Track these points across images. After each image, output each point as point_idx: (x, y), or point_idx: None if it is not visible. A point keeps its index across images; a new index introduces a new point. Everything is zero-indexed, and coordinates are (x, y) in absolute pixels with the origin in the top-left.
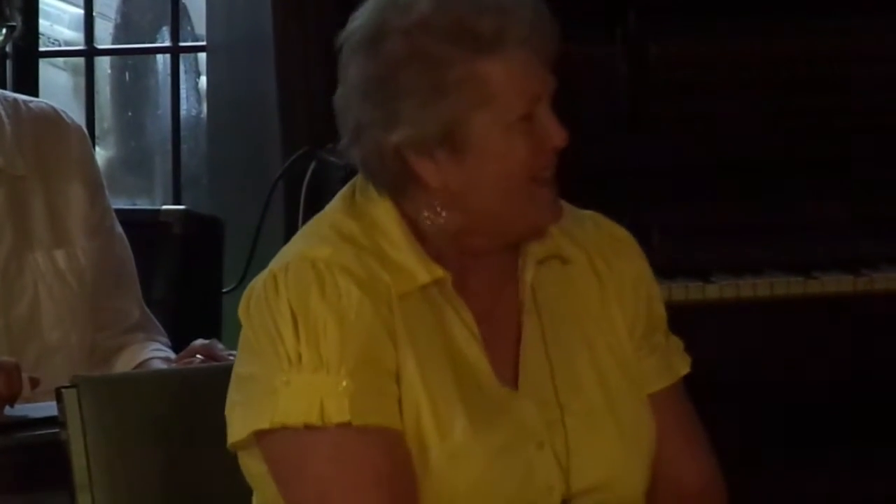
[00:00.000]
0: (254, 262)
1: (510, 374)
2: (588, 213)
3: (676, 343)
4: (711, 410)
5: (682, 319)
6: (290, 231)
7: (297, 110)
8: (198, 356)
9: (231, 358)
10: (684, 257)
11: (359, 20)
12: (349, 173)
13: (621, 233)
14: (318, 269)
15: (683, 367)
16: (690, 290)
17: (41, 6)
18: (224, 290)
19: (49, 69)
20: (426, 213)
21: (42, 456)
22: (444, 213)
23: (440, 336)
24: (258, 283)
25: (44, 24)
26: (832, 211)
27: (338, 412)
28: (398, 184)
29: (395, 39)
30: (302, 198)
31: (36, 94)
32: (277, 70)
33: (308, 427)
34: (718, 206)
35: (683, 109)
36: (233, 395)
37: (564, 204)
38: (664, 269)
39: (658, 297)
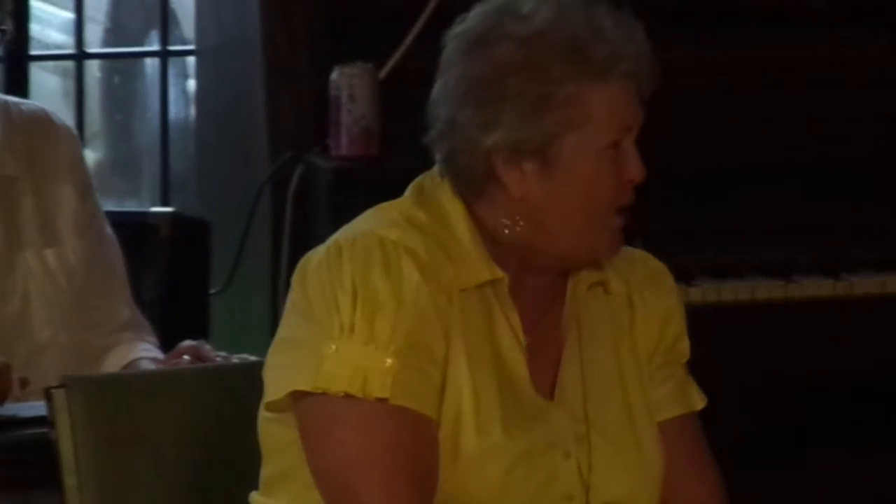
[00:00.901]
0: (241, 264)
1: (547, 385)
2: (636, 250)
3: (693, 382)
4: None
5: None
6: (277, 233)
7: (284, 114)
8: (185, 357)
9: (219, 359)
10: (667, 261)
11: (472, 20)
12: (336, 177)
13: (658, 266)
14: (385, 247)
15: (699, 402)
16: None
17: (32, 10)
18: (211, 292)
19: (39, 72)
20: (505, 220)
21: (31, 455)
22: (518, 224)
23: (488, 336)
24: (319, 251)
25: (34, 28)
26: (812, 216)
27: (379, 387)
28: (479, 185)
29: (509, 45)
30: (289, 201)
31: (26, 97)
32: (265, 74)
33: (347, 396)
34: (700, 211)
35: (665, 115)
36: (274, 358)
37: None
38: None
39: (685, 335)
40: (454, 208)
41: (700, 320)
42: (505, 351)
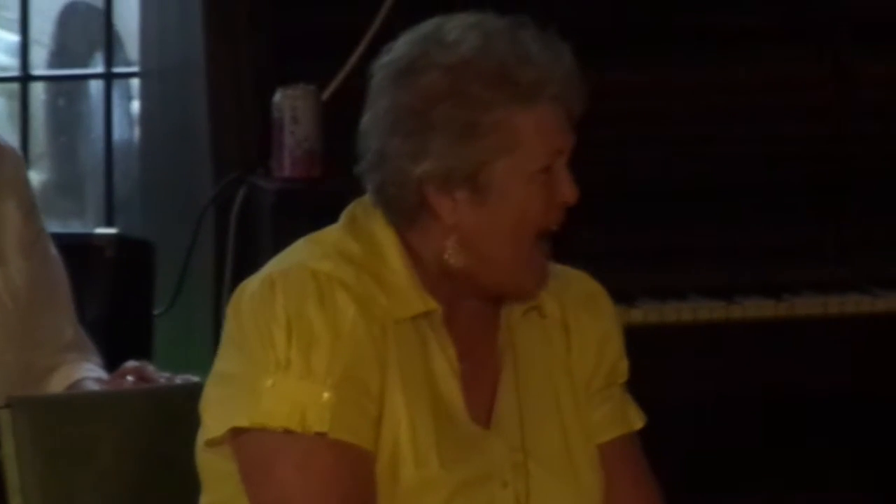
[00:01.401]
0: (184, 285)
1: (483, 413)
2: (563, 267)
3: (631, 401)
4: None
5: None
6: (220, 255)
7: (228, 136)
8: (129, 377)
9: (163, 380)
10: (608, 281)
11: (398, 50)
12: (279, 199)
13: (594, 288)
14: (318, 280)
15: (637, 421)
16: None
17: None
18: (155, 313)
19: None
20: (433, 249)
21: None
22: (448, 252)
23: (423, 366)
24: (252, 283)
25: None
26: (755, 237)
27: (318, 421)
28: (411, 214)
29: (435, 74)
30: (232, 222)
31: None
32: (209, 96)
33: (286, 431)
34: (642, 231)
35: (607, 135)
36: (211, 392)
37: (552, 263)
38: None
39: (623, 357)
40: (387, 238)
41: (642, 341)
42: (440, 380)
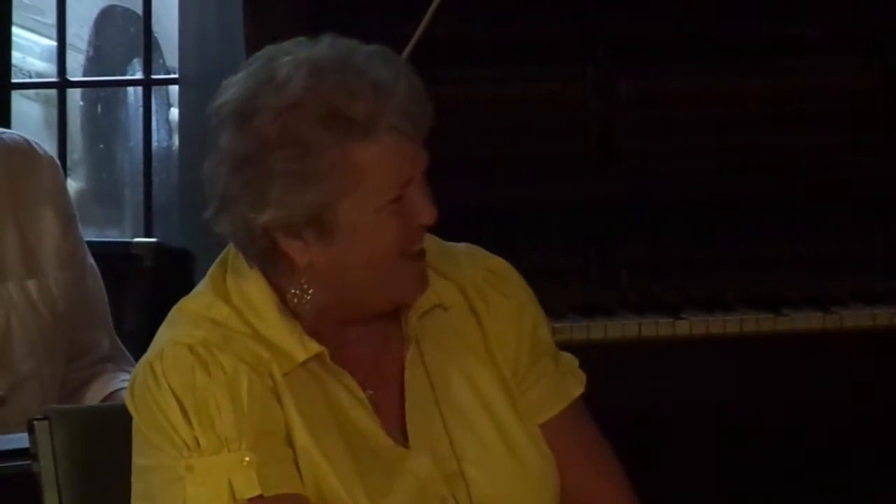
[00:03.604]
0: None
1: (402, 432)
2: (463, 247)
3: (569, 363)
4: (680, 445)
5: (651, 355)
6: None
7: None
8: None
9: None
10: (654, 294)
11: (231, 90)
12: None
13: (498, 264)
14: (196, 351)
15: (576, 388)
16: (660, 327)
17: (14, 38)
18: None
19: (21, 101)
20: (294, 290)
21: (13, 488)
22: (310, 291)
23: (328, 406)
24: (138, 374)
25: (16, 56)
26: (802, 248)
27: (248, 487)
28: (266, 258)
29: (266, 118)
30: None
31: (8, 126)
32: None
33: None
34: (688, 243)
35: (653, 147)
36: (137, 487)
37: (437, 241)
38: (634, 306)
39: (543, 324)
40: (256, 288)
41: (688, 353)
42: (349, 413)
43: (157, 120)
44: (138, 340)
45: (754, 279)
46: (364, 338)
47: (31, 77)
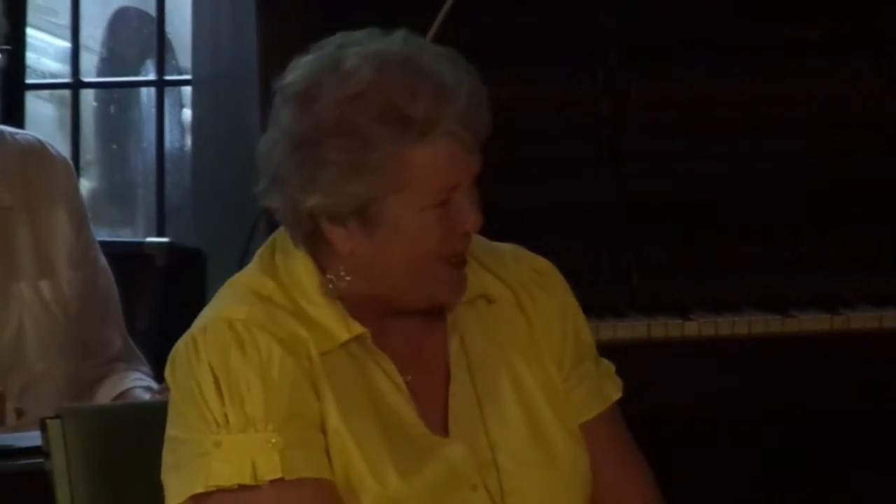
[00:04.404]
0: None
1: (440, 419)
2: (507, 246)
3: (608, 368)
4: (688, 445)
5: (660, 356)
6: None
7: None
8: None
9: None
10: (663, 295)
11: (298, 72)
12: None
13: (543, 265)
14: (235, 329)
15: (615, 392)
16: (669, 328)
17: (28, 39)
18: None
19: (35, 101)
20: (330, 276)
21: (26, 486)
22: (347, 278)
23: (365, 388)
24: (180, 346)
25: (30, 57)
26: (810, 250)
27: (269, 469)
28: (310, 240)
29: (327, 105)
30: None
31: (22, 126)
32: (262, 104)
33: (242, 487)
34: (697, 244)
35: (662, 149)
36: (166, 458)
37: (484, 240)
38: (643, 307)
39: (585, 326)
40: (303, 267)
41: (696, 354)
42: (387, 398)
43: (170, 120)
44: (150, 339)
45: (763, 281)
46: (405, 323)
47: (44, 78)
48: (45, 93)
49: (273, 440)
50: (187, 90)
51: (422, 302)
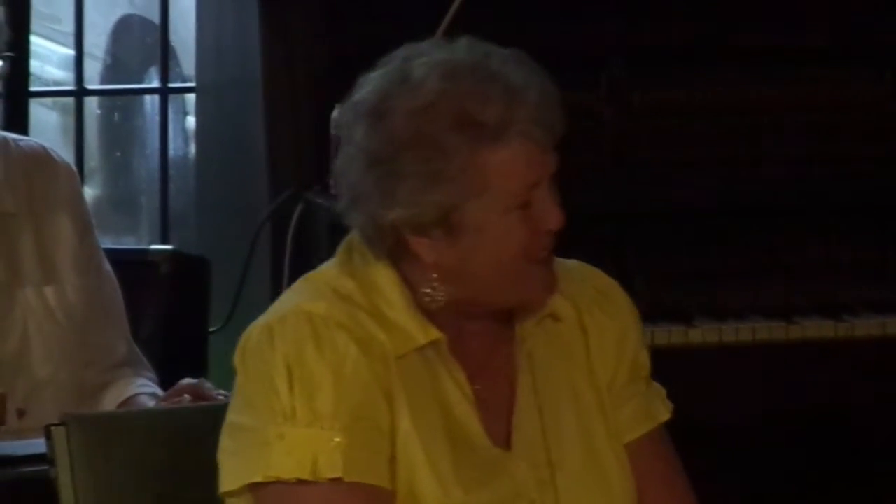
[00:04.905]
0: (240, 302)
1: (503, 432)
2: (574, 263)
3: (658, 391)
4: (692, 452)
5: (663, 363)
6: (276, 272)
7: (284, 152)
8: (186, 396)
9: (220, 397)
10: (667, 301)
11: (367, 88)
12: (336, 216)
13: (606, 283)
14: (314, 323)
15: (664, 413)
16: (673, 334)
17: (31, 47)
18: (210, 330)
19: (39, 108)
20: (424, 289)
21: (31, 493)
22: (441, 287)
23: (435, 396)
24: (253, 332)
25: (34, 65)
26: (814, 257)
27: (330, 468)
28: (395, 252)
29: (399, 119)
30: (289, 239)
31: (26, 134)
32: (266, 111)
33: (300, 482)
34: (701, 250)
35: (666, 156)
36: (225, 442)
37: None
38: (647, 313)
39: (643, 348)
40: (382, 275)
41: (700, 361)
42: (454, 407)
43: (174, 128)
44: (154, 346)
45: (766, 288)
46: (479, 333)
47: (48, 85)
48: (49, 100)
49: (337, 439)
50: (191, 97)
51: (513, 303)
